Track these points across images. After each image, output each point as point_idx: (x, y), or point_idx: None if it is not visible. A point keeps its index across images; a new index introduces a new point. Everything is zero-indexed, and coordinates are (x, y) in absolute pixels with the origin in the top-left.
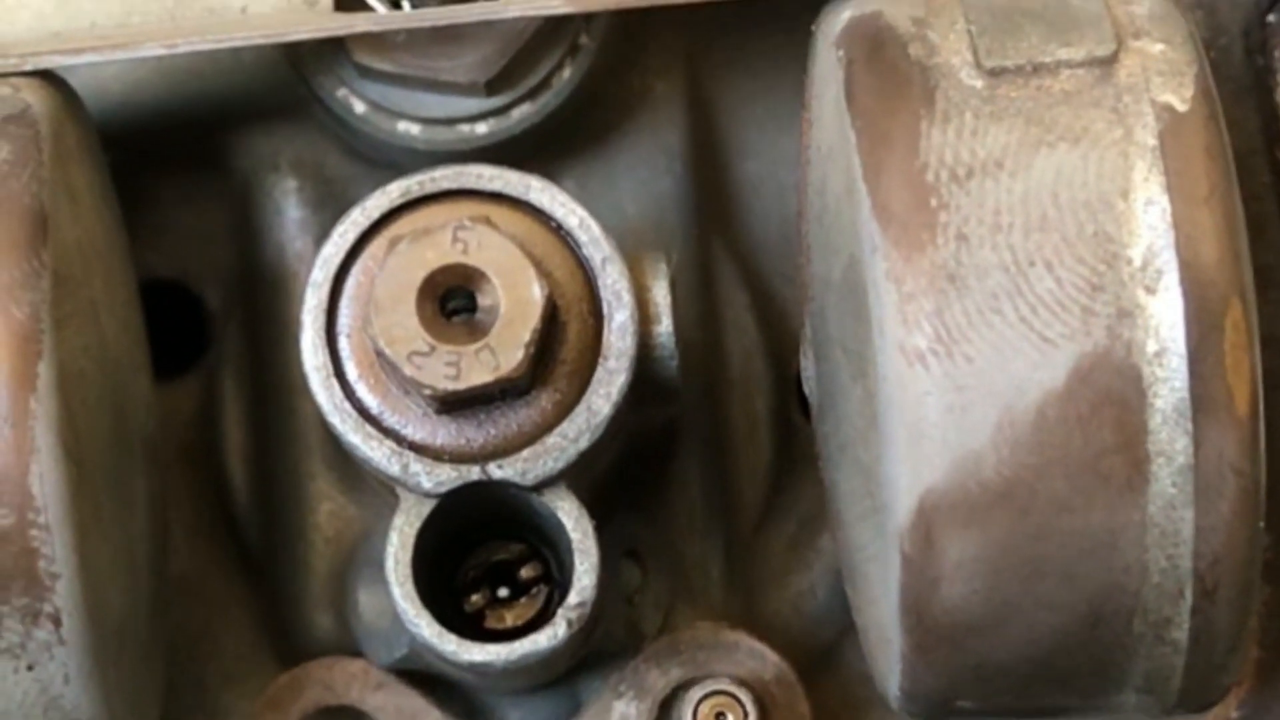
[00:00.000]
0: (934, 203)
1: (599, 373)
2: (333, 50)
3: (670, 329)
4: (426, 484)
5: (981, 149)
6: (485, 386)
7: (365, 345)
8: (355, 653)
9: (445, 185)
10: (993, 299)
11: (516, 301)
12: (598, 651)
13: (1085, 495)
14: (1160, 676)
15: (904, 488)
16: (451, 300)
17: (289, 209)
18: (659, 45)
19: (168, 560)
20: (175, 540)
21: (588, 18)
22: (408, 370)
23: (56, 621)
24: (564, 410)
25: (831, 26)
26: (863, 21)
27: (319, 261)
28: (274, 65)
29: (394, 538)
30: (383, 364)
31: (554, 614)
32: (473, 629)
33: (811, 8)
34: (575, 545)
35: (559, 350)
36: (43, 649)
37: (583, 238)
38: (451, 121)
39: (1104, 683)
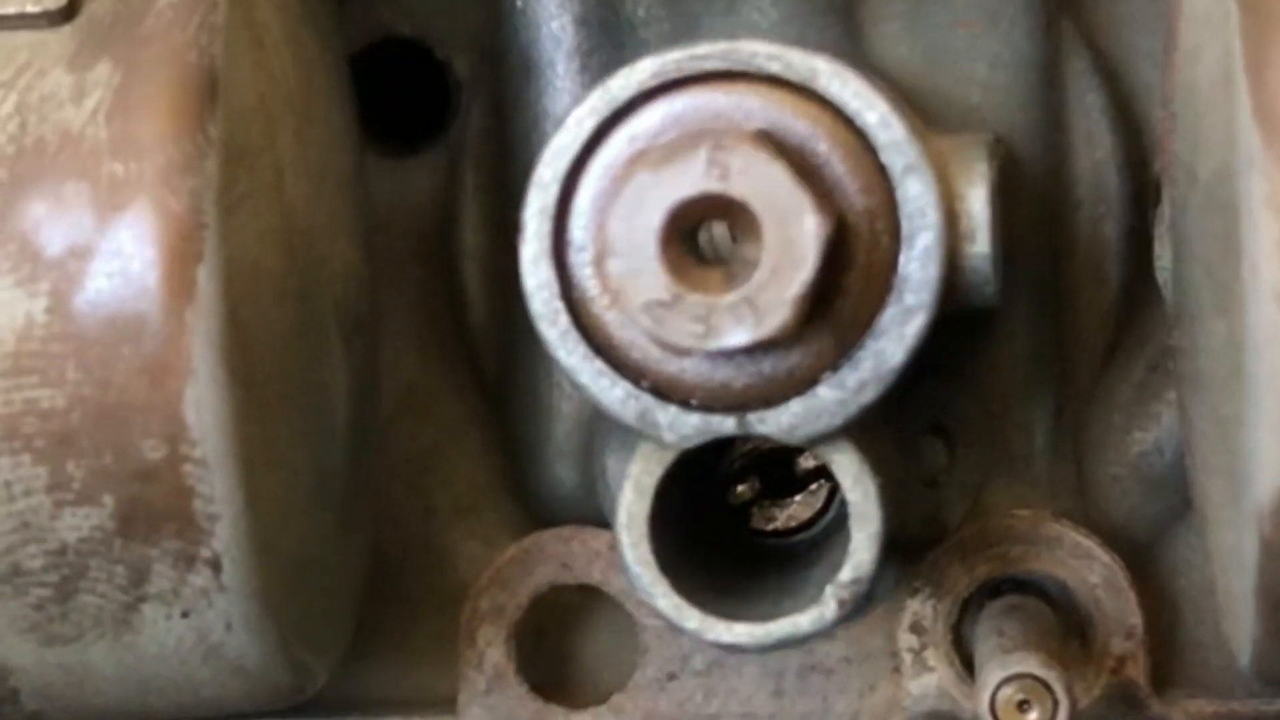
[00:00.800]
0: None
1: (891, 309)
2: None
3: (988, 250)
4: (668, 436)
5: None
6: (741, 349)
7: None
8: (599, 521)
9: (710, 65)
10: None
11: (785, 244)
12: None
13: None
14: None
15: (1269, 463)
16: (704, 230)
17: None
18: None
19: (374, 426)
20: (405, 347)
21: None
22: (644, 323)
23: (216, 567)
24: (844, 351)
25: None
26: None
27: (547, 154)
28: None
29: (628, 488)
30: None
31: (825, 581)
32: (734, 527)
33: None
34: (852, 508)
35: (842, 279)
36: (199, 595)
37: (882, 138)
38: None
39: None
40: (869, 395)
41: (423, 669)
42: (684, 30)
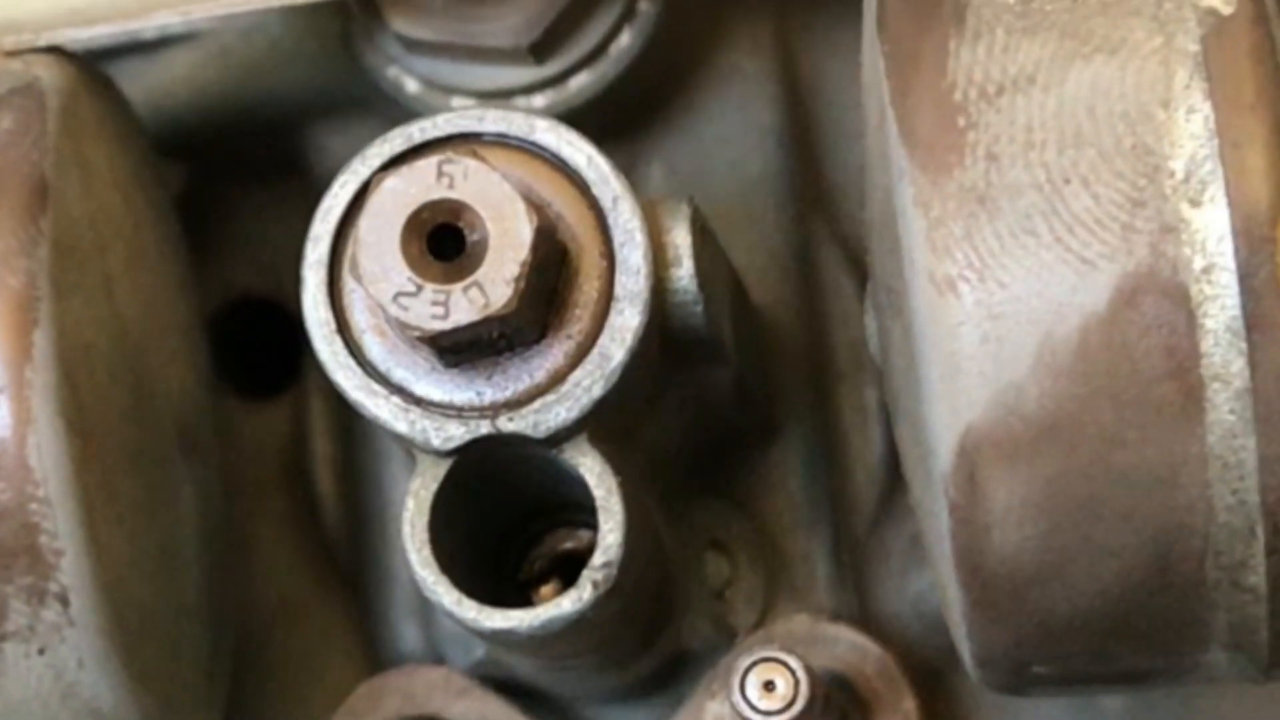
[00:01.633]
0: (962, 122)
1: (611, 316)
2: (379, 26)
3: (692, 272)
4: (435, 440)
5: (1013, 65)
6: (474, 326)
7: (371, 300)
8: (441, 661)
9: (447, 130)
10: (1026, 220)
11: (504, 234)
12: (690, 651)
13: (1137, 427)
14: (1245, 629)
15: (943, 427)
16: (446, 243)
17: None
18: (745, 20)
19: (232, 571)
20: (278, 564)
21: None
22: (393, 311)
23: (64, 601)
24: (579, 359)
25: None
26: None
27: (319, 214)
28: (336, 57)
29: (409, 502)
30: (384, 315)
31: None
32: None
33: None
34: (599, 503)
35: (571, 296)
36: (52, 631)
37: (591, 176)
38: (506, 94)
39: (1185, 639)
40: (598, 390)
41: None
42: None
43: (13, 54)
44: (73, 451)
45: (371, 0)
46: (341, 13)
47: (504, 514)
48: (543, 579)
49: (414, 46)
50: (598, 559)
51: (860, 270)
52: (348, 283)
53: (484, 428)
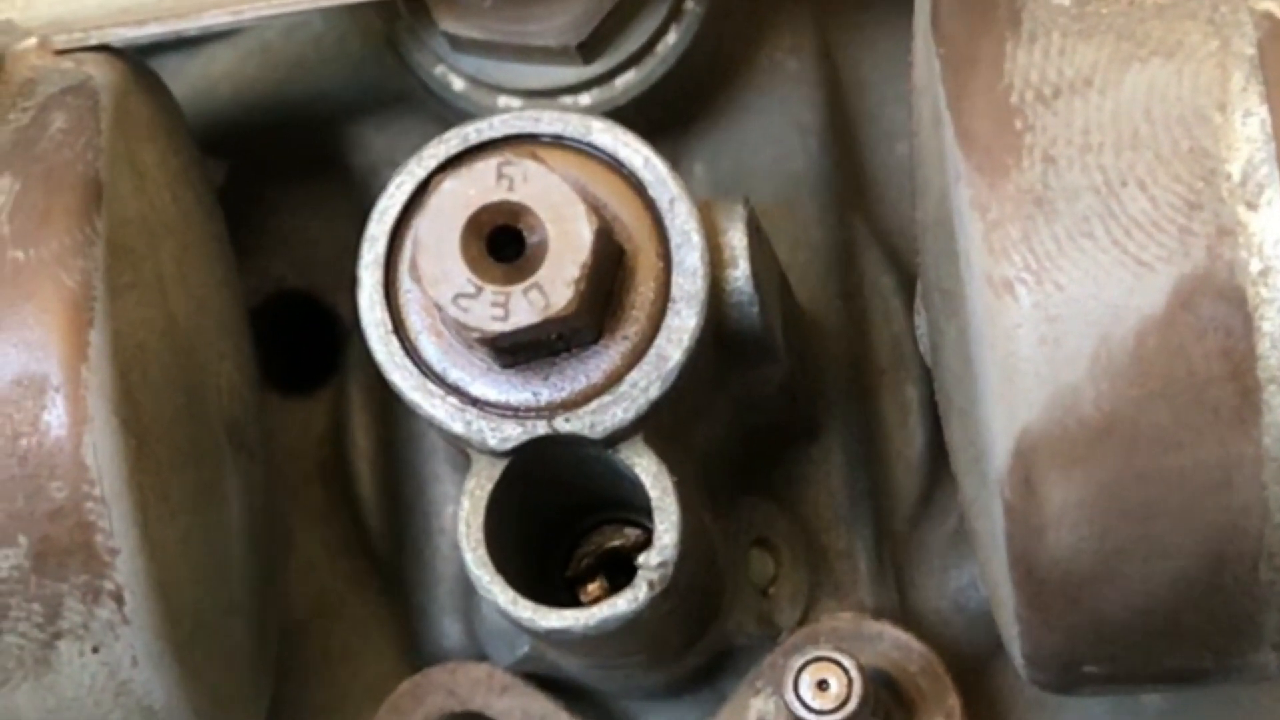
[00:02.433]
0: (1019, 125)
1: (668, 318)
2: (426, 25)
3: (748, 273)
4: (492, 441)
5: (1069, 68)
6: (534, 328)
7: (427, 300)
8: (483, 658)
9: (503, 131)
10: (1083, 222)
11: (564, 236)
12: (734, 648)
13: (1193, 429)
14: None
15: (1000, 429)
16: (506, 245)
17: None
18: (787, 18)
19: (276, 567)
20: (317, 560)
21: None
22: (453, 312)
23: (119, 599)
24: (635, 360)
25: None
26: None
27: (375, 214)
28: (379, 53)
29: (465, 502)
30: (441, 315)
31: None
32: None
33: None
34: (654, 503)
35: (628, 297)
36: (106, 629)
37: (648, 177)
38: (553, 93)
39: (1237, 638)
40: (655, 392)
41: None
42: None
43: (63, 52)
44: (128, 450)
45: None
46: (386, 10)
47: (552, 511)
48: (589, 575)
49: (462, 45)
50: (653, 559)
51: (900, 267)
52: (403, 283)
53: (541, 428)
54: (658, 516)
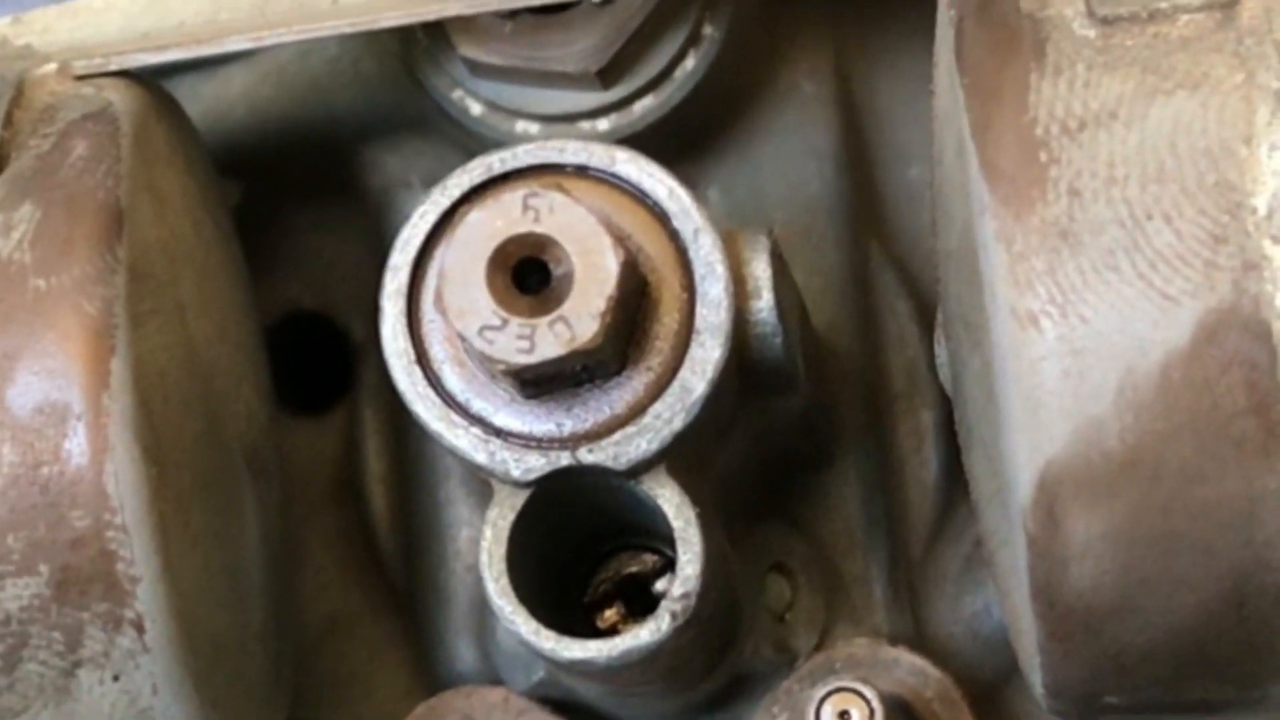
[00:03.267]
0: (1044, 157)
1: (692, 349)
2: (444, 49)
3: (772, 304)
4: (515, 472)
5: (1094, 100)
6: (559, 360)
7: (450, 330)
8: (498, 682)
9: (527, 160)
10: (1108, 255)
11: (591, 269)
12: (750, 673)
13: (1218, 462)
14: None
15: (1023, 461)
16: (530, 275)
17: None
18: (804, 42)
19: (292, 591)
20: (329, 581)
21: (709, 5)
22: (478, 345)
23: (139, 627)
24: (658, 391)
25: None
26: None
27: (398, 244)
28: (394, 76)
29: (487, 531)
30: (464, 346)
31: None
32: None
33: None
34: (677, 534)
35: (651, 328)
36: (127, 657)
37: (672, 208)
38: (571, 118)
39: (1258, 671)
40: (679, 423)
41: None
42: None
43: (83, 78)
44: (149, 478)
45: (438, 24)
46: (403, 35)
47: (571, 539)
48: (606, 601)
49: (481, 70)
50: (676, 590)
51: (915, 292)
52: (426, 313)
53: (564, 459)
54: (681, 547)
